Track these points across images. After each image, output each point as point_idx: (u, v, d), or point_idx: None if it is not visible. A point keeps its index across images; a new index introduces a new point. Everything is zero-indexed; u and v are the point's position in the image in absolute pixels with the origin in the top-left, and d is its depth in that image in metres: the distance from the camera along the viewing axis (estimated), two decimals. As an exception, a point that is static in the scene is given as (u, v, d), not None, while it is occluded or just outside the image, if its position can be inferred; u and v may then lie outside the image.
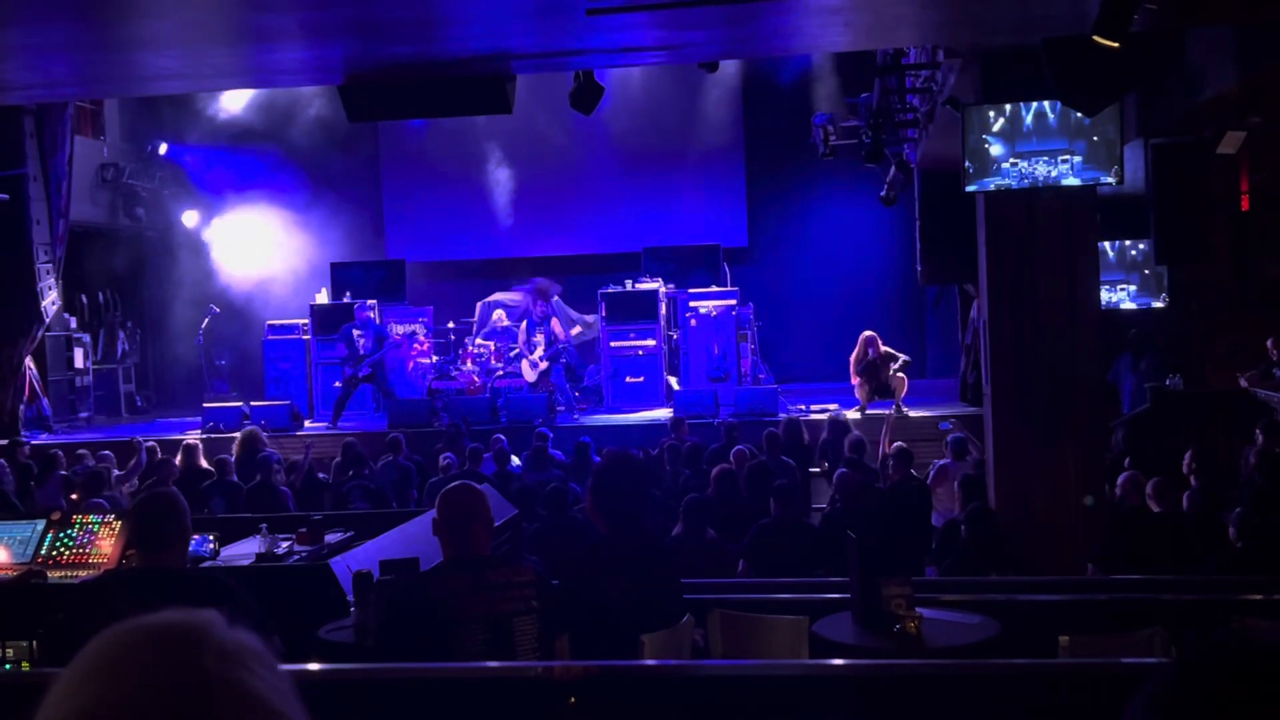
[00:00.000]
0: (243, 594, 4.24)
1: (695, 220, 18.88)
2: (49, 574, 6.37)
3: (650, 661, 4.25)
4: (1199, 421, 11.47)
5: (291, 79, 8.82)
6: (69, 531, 6.55)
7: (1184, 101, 9.51)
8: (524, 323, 15.94)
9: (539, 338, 15.56)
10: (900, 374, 14.46)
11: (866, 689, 3.42)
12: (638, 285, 16.47)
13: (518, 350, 15.74)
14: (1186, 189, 10.13)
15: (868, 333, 14.84)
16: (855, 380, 14.62)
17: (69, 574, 6.29)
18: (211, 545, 6.33)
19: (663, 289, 16.49)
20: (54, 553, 6.49)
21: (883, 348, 14.57)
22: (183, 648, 0.94)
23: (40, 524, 6.66)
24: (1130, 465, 9.68)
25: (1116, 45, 5.48)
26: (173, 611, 1.00)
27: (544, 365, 15.40)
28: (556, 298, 16.77)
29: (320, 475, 11.14)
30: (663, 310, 16.34)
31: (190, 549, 5.16)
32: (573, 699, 2.72)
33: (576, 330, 16.09)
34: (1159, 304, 13.27)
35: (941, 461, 10.70)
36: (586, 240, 19.37)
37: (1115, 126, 8.29)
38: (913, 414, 14.10)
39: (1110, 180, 8.48)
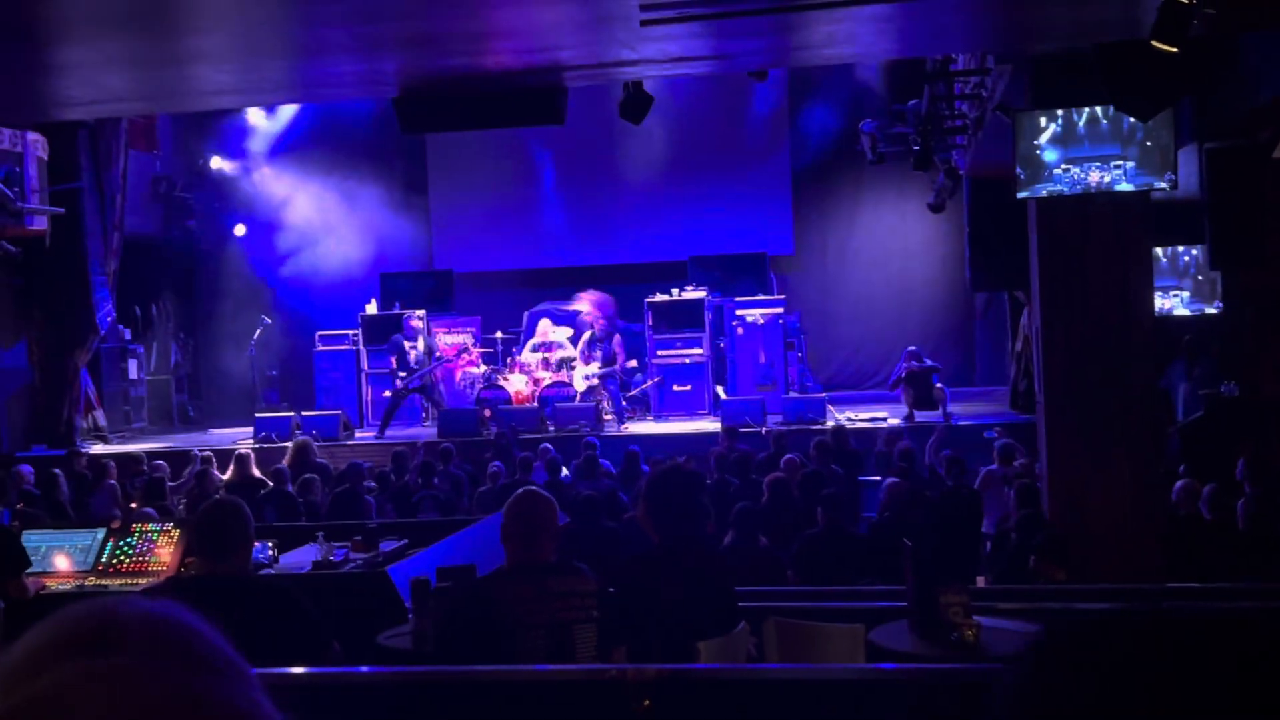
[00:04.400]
0: (303, 601, 4.29)
1: (741, 228, 18.87)
2: (110, 582, 6.46)
3: (725, 665, 4.26)
4: (1254, 428, 11.32)
5: (345, 92, 8.92)
6: (129, 540, 6.64)
7: (1239, 106, 9.40)
8: (589, 332, 16.02)
9: (598, 353, 15.65)
10: (939, 385, 14.41)
11: (927, 694, 3.41)
12: (684, 294, 16.48)
13: (572, 356, 15.80)
14: (1241, 194, 10.02)
15: (909, 348, 14.82)
16: (898, 391, 14.61)
17: (129, 582, 6.39)
18: (271, 552, 6.41)
19: (709, 297, 16.50)
20: (114, 561, 6.59)
21: (926, 362, 14.51)
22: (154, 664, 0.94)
23: (100, 532, 6.77)
24: (1184, 473, 9.57)
25: (1175, 50, 5.44)
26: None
27: (594, 382, 15.47)
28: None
29: (368, 484, 11.22)
30: (709, 319, 16.34)
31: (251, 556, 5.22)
32: (647, 702, 2.73)
33: (633, 364, 16.12)
34: (1213, 310, 13.13)
35: (988, 467, 10.64)
36: (632, 249, 19.41)
37: (1169, 131, 8.22)
38: (961, 422, 14.01)
39: (1164, 186, 8.41)
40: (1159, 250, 12.38)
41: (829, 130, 18.47)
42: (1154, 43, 5.43)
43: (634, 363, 16.08)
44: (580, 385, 15.51)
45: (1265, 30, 8.00)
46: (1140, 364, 8.79)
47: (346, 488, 10.15)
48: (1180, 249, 12.99)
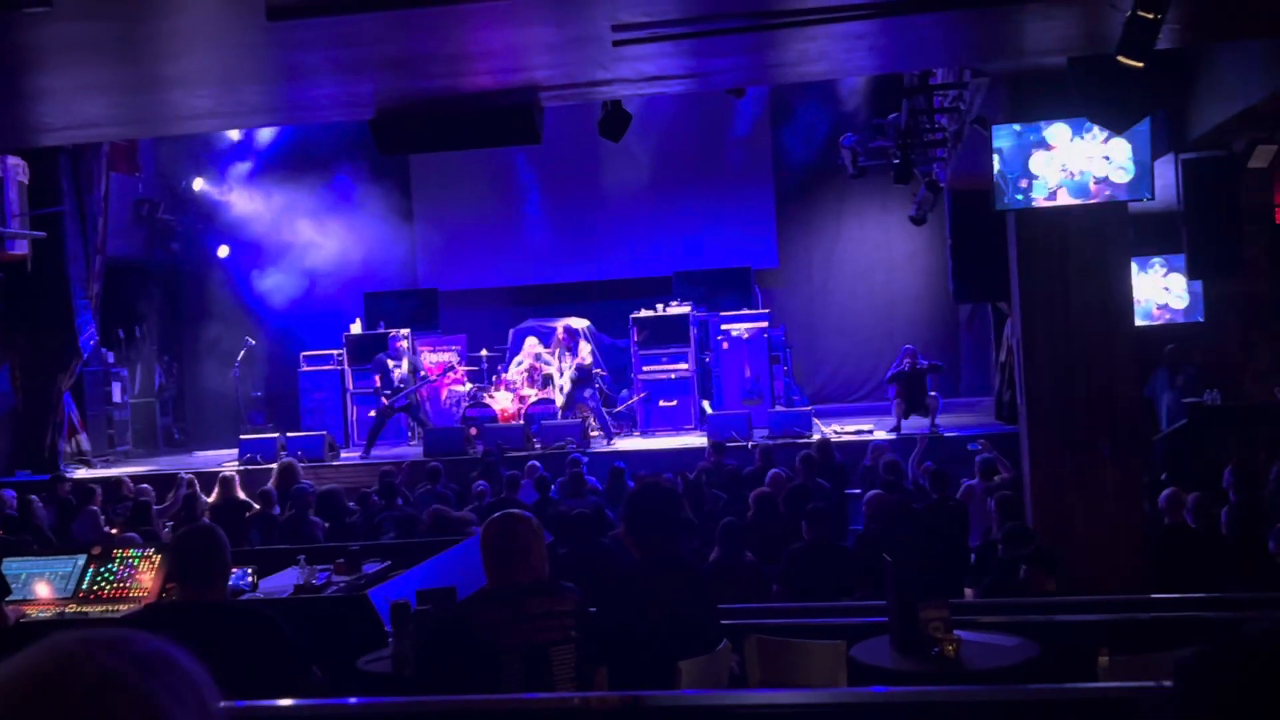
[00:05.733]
0: (283, 626, 4.28)
1: (725, 243, 18.93)
2: (91, 609, 6.43)
3: (687, 691, 4.25)
4: (1237, 436, 11.36)
5: (323, 114, 8.92)
6: (109, 566, 6.60)
7: (1213, 116, 9.46)
8: (555, 352, 16.05)
9: (566, 363, 15.66)
10: (934, 393, 14.43)
11: (909, 716, 3.41)
12: (669, 309, 16.50)
13: (549, 372, 15.82)
14: (1218, 203, 10.09)
15: (907, 346, 14.85)
16: (891, 391, 14.60)
17: (110, 609, 6.34)
18: (250, 578, 6.38)
19: (694, 312, 16.53)
20: (95, 587, 6.55)
21: (922, 362, 14.55)
22: (88, 646, 1.01)
23: (81, 559, 6.72)
24: (1169, 481, 9.60)
25: (1141, 65, 5.48)
26: (100, 629, 1.07)
27: (568, 387, 15.45)
28: (588, 329, 16.88)
29: (350, 504, 11.19)
30: (694, 334, 16.37)
31: (229, 582, 5.19)
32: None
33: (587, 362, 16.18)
34: (1195, 319, 13.19)
35: (969, 482, 10.66)
36: (617, 265, 19.44)
37: (1145, 143, 8.27)
38: (946, 434, 14.03)
39: (1141, 196, 8.45)
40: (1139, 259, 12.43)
41: (811, 144, 18.53)
42: (1120, 58, 5.46)
43: (588, 361, 16.10)
44: (559, 399, 15.50)
45: (1235, 41, 8.06)
46: (1122, 374, 8.82)
47: (293, 514, 10.06)
48: (1160, 258, 13.05)
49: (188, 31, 6.36)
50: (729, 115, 18.65)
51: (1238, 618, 5.94)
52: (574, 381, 15.44)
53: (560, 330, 16.18)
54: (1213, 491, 9.09)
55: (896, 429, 14.28)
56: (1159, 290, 13.48)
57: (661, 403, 16.20)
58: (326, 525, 9.96)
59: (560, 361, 15.70)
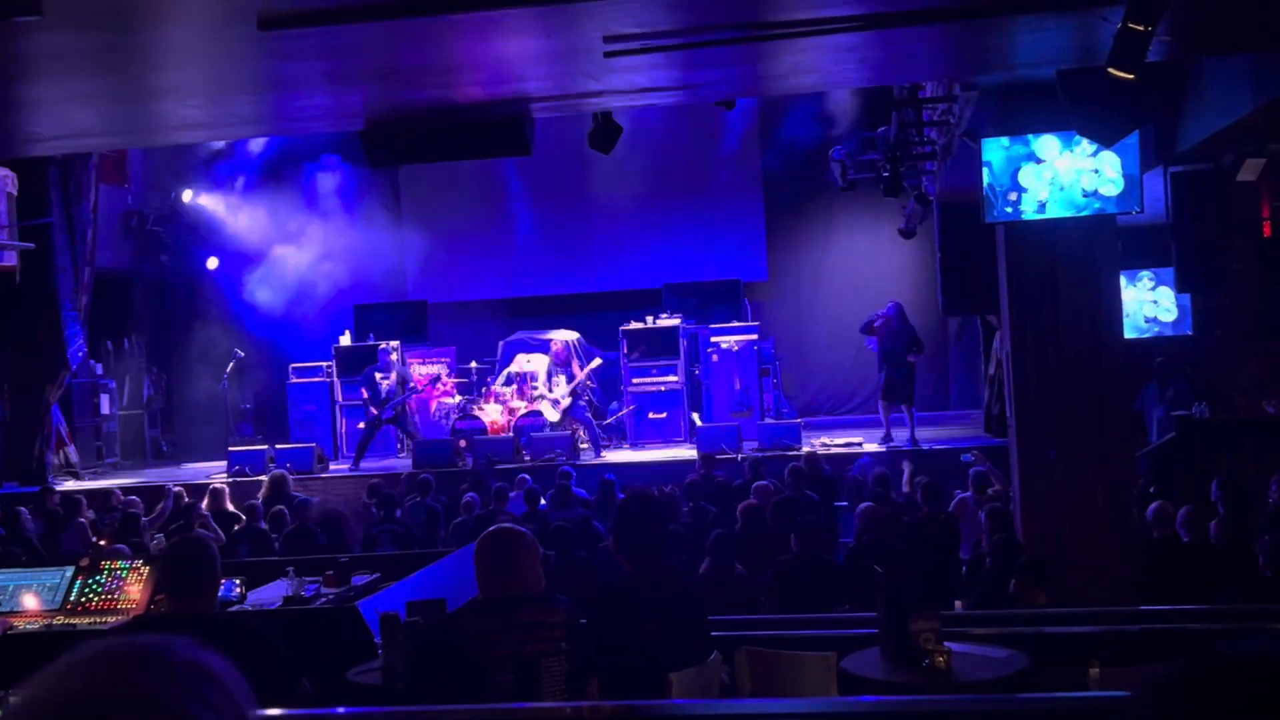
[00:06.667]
0: (272, 638, 4.26)
1: (715, 256, 18.93)
2: (79, 621, 6.40)
3: (682, 701, 4.24)
4: (1226, 449, 11.38)
5: (313, 126, 8.92)
6: (98, 578, 6.57)
7: (1202, 129, 9.50)
8: (548, 359, 16.02)
9: (559, 377, 15.65)
10: (910, 407, 14.44)
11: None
12: (659, 321, 16.50)
13: (539, 392, 15.78)
14: (1207, 217, 10.13)
15: (896, 302, 14.85)
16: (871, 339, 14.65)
17: (98, 620, 6.31)
18: (239, 589, 6.35)
19: (684, 325, 16.53)
20: (83, 599, 6.51)
21: (908, 322, 14.51)
22: (127, 664, 0.98)
23: (69, 570, 6.69)
24: (1158, 494, 9.61)
25: (1132, 77, 5.50)
26: (137, 635, 1.04)
27: (566, 402, 15.44)
28: (578, 342, 16.90)
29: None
30: (684, 346, 16.37)
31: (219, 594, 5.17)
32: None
33: (597, 361, 16.16)
34: (1183, 331, 13.24)
35: (962, 494, 10.66)
36: (607, 278, 19.44)
37: (1134, 156, 8.30)
38: (936, 446, 14.04)
39: (1130, 209, 8.48)
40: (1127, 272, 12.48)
41: (801, 157, 18.52)
42: (1111, 70, 5.49)
43: (597, 360, 16.02)
44: (550, 415, 15.46)
45: (1224, 55, 8.10)
46: (1111, 387, 8.83)
47: (297, 526, 10.01)
48: (1149, 271, 13.10)
49: (179, 41, 6.35)
50: (719, 128, 18.67)
51: (1223, 630, 5.95)
52: (572, 394, 15.45)
53: (557, 346, 16.16)
54: (1201, 504, 9.10)
55: (887, 436, 14.29)
56: (1147, 303, 13.53)
57: (651, 415, 16.19)
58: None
59: (553, 381, 15.67)
